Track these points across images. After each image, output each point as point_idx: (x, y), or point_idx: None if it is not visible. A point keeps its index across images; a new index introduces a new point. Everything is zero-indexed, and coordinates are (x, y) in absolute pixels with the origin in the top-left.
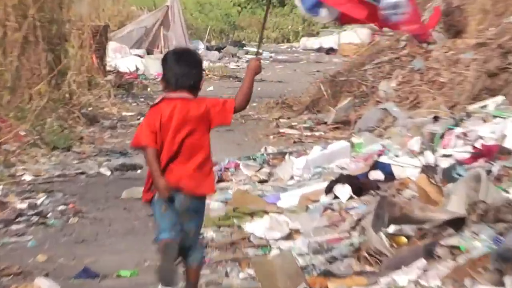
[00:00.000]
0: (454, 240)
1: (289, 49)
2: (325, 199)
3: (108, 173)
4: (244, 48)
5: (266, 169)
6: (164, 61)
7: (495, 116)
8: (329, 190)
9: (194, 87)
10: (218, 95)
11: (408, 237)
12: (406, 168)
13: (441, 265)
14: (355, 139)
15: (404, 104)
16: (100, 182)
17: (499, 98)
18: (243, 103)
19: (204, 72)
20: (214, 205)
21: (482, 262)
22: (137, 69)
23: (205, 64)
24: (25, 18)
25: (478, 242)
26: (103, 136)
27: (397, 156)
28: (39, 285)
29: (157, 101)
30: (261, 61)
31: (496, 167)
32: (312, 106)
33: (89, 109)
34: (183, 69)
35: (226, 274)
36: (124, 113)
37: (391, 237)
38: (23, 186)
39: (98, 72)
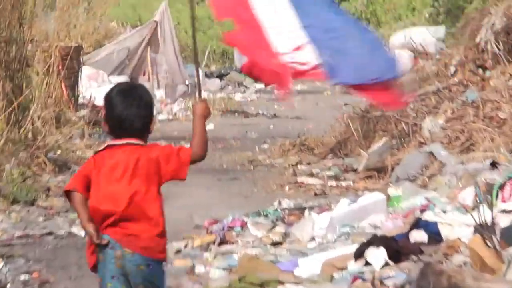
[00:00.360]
0: None
1: None
2: (354, 266)
3: (82, 233)
4: None
5: (280, 228)
6: (107, 100)
7: None
8: (359, 254)
9: (143, 131)
10: (220, 135)
11: None
12: (456, 227)
13: None
14: (392, 191)
15: (454, 146)
16: (71, 245)
17: None
18: (201, 151)
19: (154, 112)
20: (214, 273)
21: None
22: None
23: (203, 95)
24: None
25: None
26: None
27: (444, 212)
28: None
29: (100, 148)
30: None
31: None
32: (338, 148)
33: (58, 152)
34: (130, 110)
35: None
36: None
37: None
38: None
39: (68, 105)
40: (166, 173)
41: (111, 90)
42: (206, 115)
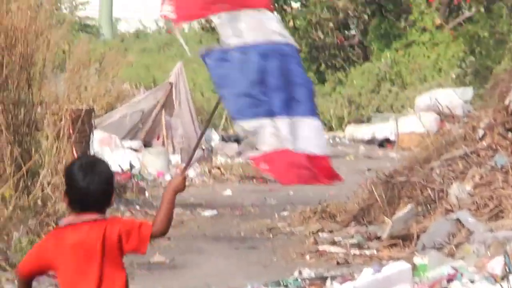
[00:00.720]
0: None
1: (332, 140)
2: None
3: None
4: None
5: None
6: (68, 174)
7: None
8: None
9: (104, 205)
10: (238, 202)
11: None
12: None
13: None
14: (417, 260)
15: (483, 213)
16: None
17: None
18: (163, 228)
19: (115, 185)
20: None
21: None
22: (132, 167)
23: (220, 160)
24: None
25: None
26: None
27: (472, 282)
28: None
29: (61, 225)
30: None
31: None
32: (361, 215)
33: None
34: (92, 185)
35: None
36: None
37: None
38: None
39: None
40: (127, 248)
41: (72, 164)
42: (179, 191)
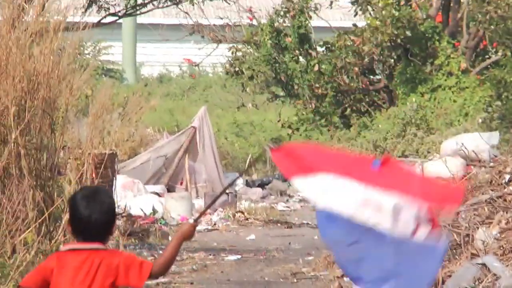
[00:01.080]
0: None
1: None
2: None
3: None
4: None
5: None
6: (72, 203)
7: None
8: None
9: (105, 235)
10: (262, 246)
11: None
12: None
13: None
14: None
15: (509, 258)
16: None
17: None
18: (162, 269)
19: (116, 216)
20: None
21: None
22: (155, 211)
23: (244, 204)
24: (5, 143)
25: None
26: None
27: None
28: None
29: (63, 249)
30: (196, 228)
31: None
32: None
33: None
34: (94, 215)
35: None
36: None
37: None
38: None
39: None
40: (121, 282)
41: (76, 194)
42: (187, 238)
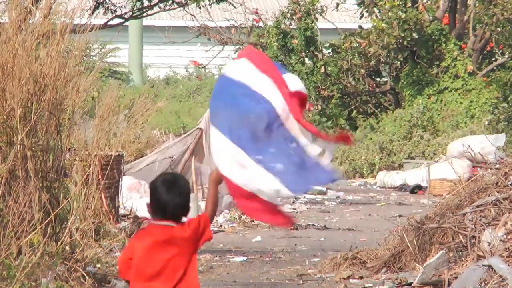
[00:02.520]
0: None
1: (363, 187)
2: None
3: None
4: None
5: None
6: (153, 187)
7: None
8: None
9: (181, 216)
10: (268, 248)
11: None
12: None
13: None
14: None
15: None
16: None
17: None
18: (213, 215)
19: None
20: None
21: None
22: None
23: None
24: (11, 145)
25: None
26: None
27: None
28: None
29: (144, 227)
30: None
31: None
32: (392, 262)
33: (97, 266)
34: (173, 199)
35: None
36: None
37: None
38: None
39: (108, 217)
40: (203, 240)
41: (157, 179)
42: (220, 182)
